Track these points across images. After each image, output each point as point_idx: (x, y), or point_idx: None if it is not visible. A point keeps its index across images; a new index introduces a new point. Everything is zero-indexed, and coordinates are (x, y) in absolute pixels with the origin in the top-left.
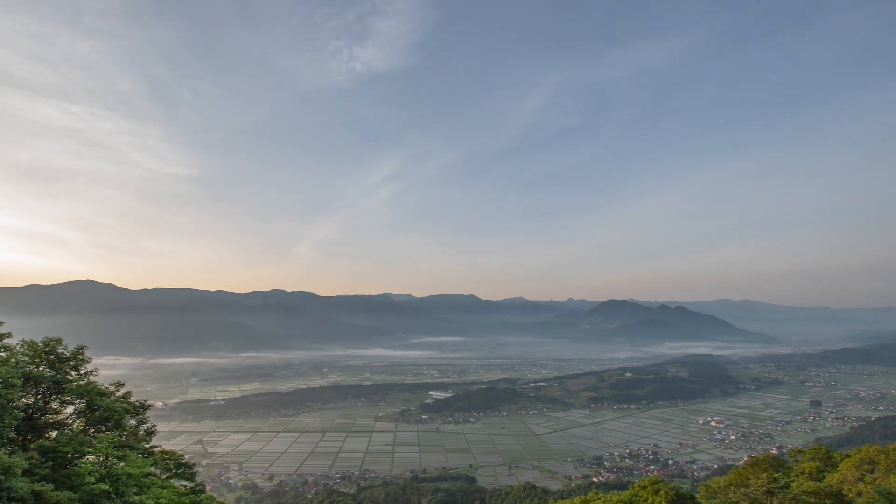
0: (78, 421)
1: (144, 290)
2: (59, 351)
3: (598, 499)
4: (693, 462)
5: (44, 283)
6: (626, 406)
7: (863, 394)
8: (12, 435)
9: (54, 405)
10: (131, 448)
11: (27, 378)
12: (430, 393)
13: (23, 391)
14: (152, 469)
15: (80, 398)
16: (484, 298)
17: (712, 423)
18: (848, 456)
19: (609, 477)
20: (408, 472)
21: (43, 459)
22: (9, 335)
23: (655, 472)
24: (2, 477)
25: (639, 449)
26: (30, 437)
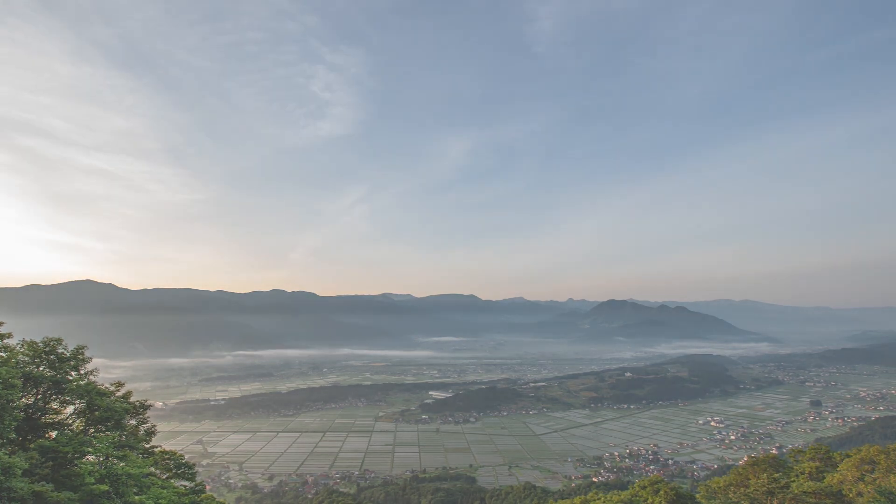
0: (78, 421)
1: (144, 291)
2: (59, 351)
3: (598, 499)
4: (693, 462)
5: (44, 283)
6: (626, 406)
7: (863, 394)
8: (12, 435)
9: (54, 405)
10: (131, 448)
11: (27, 378)
12: (430, 393)
13: (23, 391)
14: (152, 469)
15: (80, 398)
16: (484, 298)
17: (712, 423)
18: (848, 456)
19: (609, 477)
20: (408, 472)
21: (43, 459)
22: (9, 335)
23: (655, 472)
24: (2, 477)
25: (639, 449)
26: (30, 437)
